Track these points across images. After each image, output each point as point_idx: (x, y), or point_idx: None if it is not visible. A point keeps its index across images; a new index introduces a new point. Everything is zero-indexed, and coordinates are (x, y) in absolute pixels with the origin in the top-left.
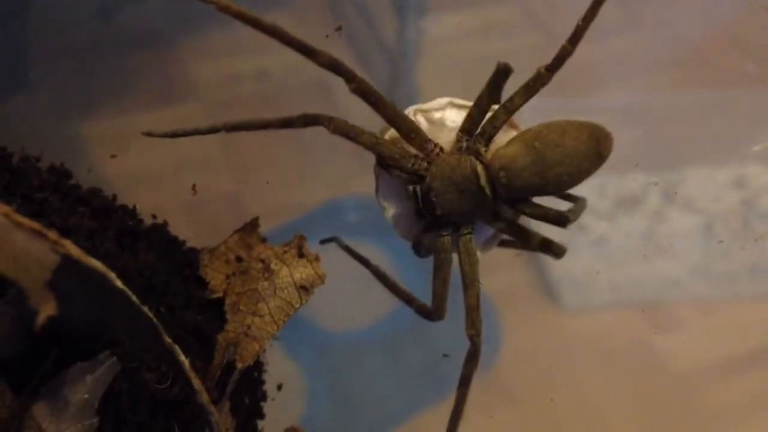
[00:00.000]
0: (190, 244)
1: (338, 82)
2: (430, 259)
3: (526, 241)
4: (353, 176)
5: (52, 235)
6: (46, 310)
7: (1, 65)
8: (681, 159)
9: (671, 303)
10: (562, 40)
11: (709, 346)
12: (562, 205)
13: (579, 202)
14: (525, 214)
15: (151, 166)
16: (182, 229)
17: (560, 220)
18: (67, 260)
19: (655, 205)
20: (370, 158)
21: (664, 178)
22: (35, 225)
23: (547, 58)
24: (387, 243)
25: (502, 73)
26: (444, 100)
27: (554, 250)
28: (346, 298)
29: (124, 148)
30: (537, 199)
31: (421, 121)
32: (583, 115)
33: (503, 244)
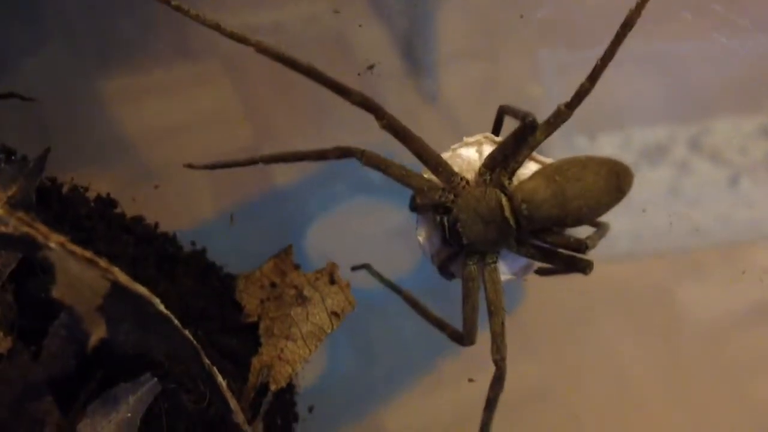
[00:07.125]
0: (227, 269)
1: (354, 34)
2: None
3: (552, 262)
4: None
5: (103, 263)
6: (98, 333)
7: (18, 20)
8: (707, 108)
9: (694, 251)
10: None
11: (732, 295)
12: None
13: (601, 227)
14: (546, 242)
15: (191, 194)
16: (220, 256)
17: (580, 247)
18: (116, 286)
19: (680, 156)
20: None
21: (689, 128)
22: (87, 253)
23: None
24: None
25: (529, 128)
26: (479, 136)
27: (581, 266)
28: (377, 324)
29: (166, 178)
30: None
31: (463, 153)
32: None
33: (539, 272)
